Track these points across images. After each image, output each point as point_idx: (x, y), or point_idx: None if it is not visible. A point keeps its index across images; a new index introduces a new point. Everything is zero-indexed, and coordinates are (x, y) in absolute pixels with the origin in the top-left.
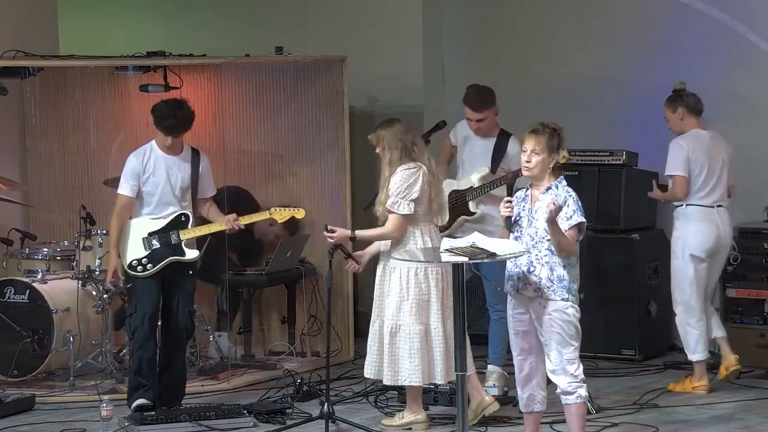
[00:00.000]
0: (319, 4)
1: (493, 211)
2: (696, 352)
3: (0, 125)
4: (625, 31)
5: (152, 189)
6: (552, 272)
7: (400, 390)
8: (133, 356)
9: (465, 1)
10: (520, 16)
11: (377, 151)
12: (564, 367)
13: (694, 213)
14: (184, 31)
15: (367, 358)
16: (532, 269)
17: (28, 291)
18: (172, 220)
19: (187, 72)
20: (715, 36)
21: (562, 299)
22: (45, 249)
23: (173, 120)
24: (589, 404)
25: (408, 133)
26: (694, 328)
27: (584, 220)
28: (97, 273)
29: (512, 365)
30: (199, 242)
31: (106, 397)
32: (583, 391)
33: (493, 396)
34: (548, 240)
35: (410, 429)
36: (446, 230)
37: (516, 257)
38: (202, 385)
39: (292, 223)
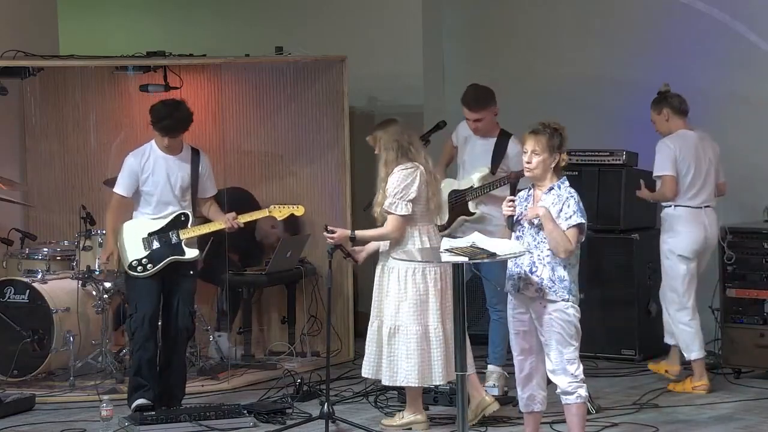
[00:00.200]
0: (319, 4)
1: (493, 211)
2: (693, 351)
3: (0, 125)
4: (625, 31)
5: (152, 189)
6: (553, 272)
7: (400, 390)
8: (133, 357)
9: (465, 1)
10: (520, 16)
11: (376, 152)
12: (564, 367)
13: (682, 215)
14: (184, 31)
15: (365, 358)
16: (534, 269)
17: (28, 291)
18: (171, 219)
19: (187, 72)
20: (715, 36)
21: (563, 299)
22: (45, 249)
23: (170, 121)
24: (589, 404)
25: (404, 133)
26: (688, 326)
27: (584, 221)
28: (97, 273)
29: (512, 365)
30: (200, 243)
31: (106, 397)
32: (583, 391)
33: (493, 396)
34: None
35: (410, 429)
36: (446, 230)
37: (516, 257)
38: (202, 385)
39: (293, 224)
